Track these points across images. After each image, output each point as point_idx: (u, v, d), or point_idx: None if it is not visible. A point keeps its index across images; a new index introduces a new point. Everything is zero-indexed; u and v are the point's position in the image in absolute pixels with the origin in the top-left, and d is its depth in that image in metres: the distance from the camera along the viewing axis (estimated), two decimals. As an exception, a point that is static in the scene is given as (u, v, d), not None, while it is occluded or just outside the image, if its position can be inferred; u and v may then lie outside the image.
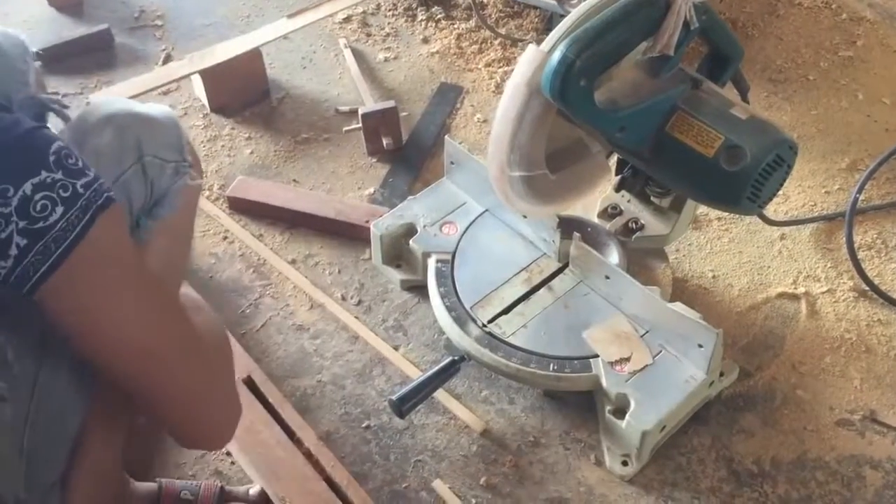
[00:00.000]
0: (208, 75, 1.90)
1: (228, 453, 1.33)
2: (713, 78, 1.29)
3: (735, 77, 1.32)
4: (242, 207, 1.73)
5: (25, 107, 1.12)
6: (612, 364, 1.32)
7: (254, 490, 1.27)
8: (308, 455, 1.31)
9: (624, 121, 1.19)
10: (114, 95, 1.08)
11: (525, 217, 1.48)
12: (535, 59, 1.16)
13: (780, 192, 1.75)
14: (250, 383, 1.40)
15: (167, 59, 2.11)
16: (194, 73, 1.90)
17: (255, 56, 1.95)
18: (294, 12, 2.06)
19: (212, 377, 0.99)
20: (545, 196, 1.30)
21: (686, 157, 1.20)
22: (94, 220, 0.83)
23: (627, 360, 1.33)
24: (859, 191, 1.66)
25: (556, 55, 1.12)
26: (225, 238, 1.68)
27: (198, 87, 1.96)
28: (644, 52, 1.20)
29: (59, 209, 0.80)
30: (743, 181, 1.18)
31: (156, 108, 1.07)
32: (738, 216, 1.71)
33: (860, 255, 1.62)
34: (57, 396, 0.92)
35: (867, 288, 1.57)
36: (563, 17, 2.07)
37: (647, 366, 1.32)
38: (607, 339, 1.36)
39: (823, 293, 1.58)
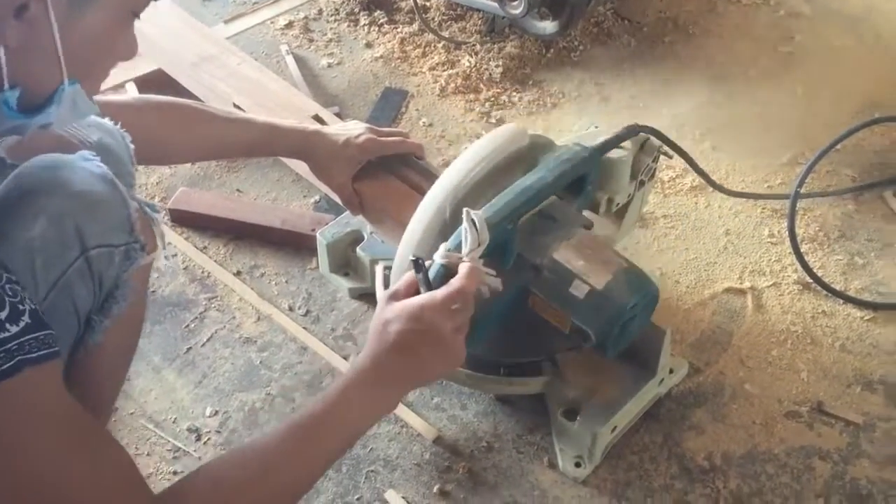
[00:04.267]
0: (143, 84, 1.86)
1: None
2: (578, 193, 1.29)
3: (616, 142, 1.32)
4: (185, 219, 1.69)
5: None
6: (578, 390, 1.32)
7: None
8: None
9: (483, 322, 1.16)
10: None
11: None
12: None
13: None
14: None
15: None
16: (129, 81, 1.86)
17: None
18: (231, 17, 2.02)
19: None
20: None
21: (553, 328, 1.23)
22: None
23: (595, 389, 1.32)
24: (800, 185, 1.69)
25: None
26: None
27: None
28: None
29: None
30: (601, 349, 1.20)
31: (91, 173, 0.91)
32: (682, 212, 1.73)
33: (803, 248, 1.64)
34: None
35: (811, 280, 1.59)
36: (504, 19, 2.09)
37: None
38: (578, 365, 1.35)
39: (769, 287, 1.60)
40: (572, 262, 1.19)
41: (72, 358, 1.01)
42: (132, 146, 1.10)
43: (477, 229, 1.08)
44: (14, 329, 0.77)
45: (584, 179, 1.29)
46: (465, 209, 1.10)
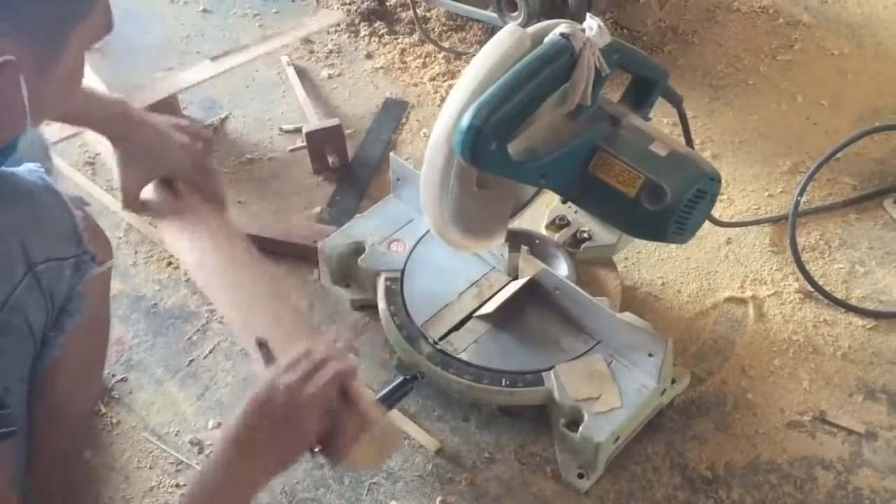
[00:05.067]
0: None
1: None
2: (640, 102, 1.28)
3: (665, 93, 1.32)
4: (187, 231, 1.69)
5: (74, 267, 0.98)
6: (579, 401, 1.31)
7: None
8: None
9: (545, 168, 1.17)
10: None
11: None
12: (453, 117, 1.14)
13: (725, 197, 1.80)
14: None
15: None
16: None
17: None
18: (217, 55, 2.01)
19: None
20: (486, 229, 1.29)
21: (610, 196, 1.19)
22: None
23: (596, 399, 1.31)
24: (801, 193, 1.69)
25: (464, 122, 1.09)
26: (169, 264, 1.64)
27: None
28: (558, 107, 1.18)
29: None
30: (666, 218, 1.18)
31: (33, 183, 0.86)
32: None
33: (804, 256, 1.64)
34: None
35: (812, 289, 1.59)
36: (504, 29, 2.09)
37: (614, 409, 1.30)
38: (578, 375, 1.34)
39: (770, 296, 1.60)
40: (650, 127, 1.21)
41: (33, 373, 0.98)
42: (49, 141, 1.08)
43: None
44: None
45: (652, 87, 1.29)
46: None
